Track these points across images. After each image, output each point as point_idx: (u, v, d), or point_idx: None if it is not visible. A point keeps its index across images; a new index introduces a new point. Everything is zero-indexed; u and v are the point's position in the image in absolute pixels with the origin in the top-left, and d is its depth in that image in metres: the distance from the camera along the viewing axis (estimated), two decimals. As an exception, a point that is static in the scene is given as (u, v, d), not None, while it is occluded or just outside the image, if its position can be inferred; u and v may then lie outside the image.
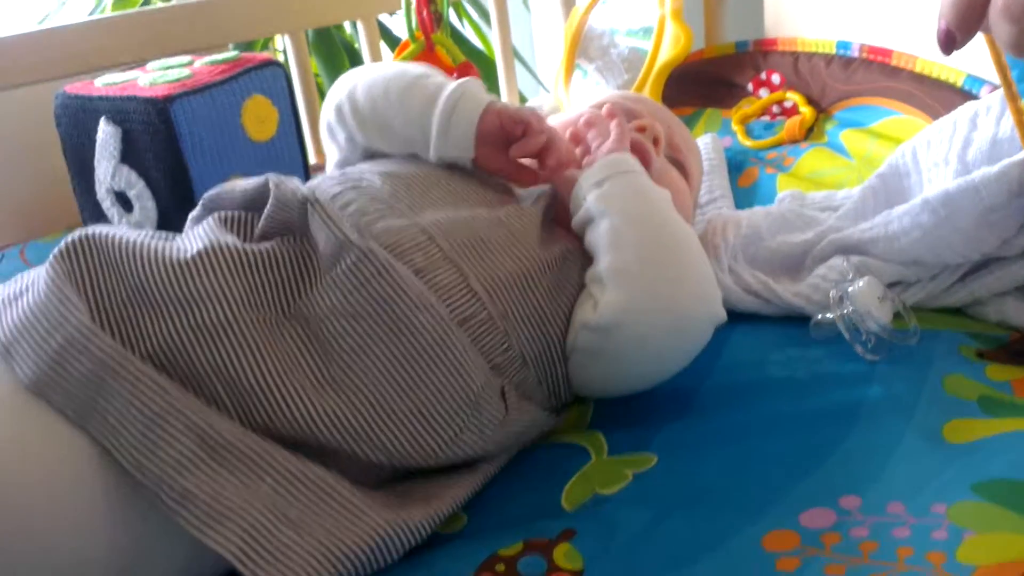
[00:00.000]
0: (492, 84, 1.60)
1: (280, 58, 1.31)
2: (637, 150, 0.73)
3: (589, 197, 0.65)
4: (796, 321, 0.72)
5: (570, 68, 1.25)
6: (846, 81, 0.97)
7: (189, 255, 0.55)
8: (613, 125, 0.71)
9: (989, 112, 0.70)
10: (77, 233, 0.57)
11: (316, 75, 1.67)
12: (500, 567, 0.52)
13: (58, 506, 0.48)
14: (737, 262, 0.76)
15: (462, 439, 0.56)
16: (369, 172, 0.68)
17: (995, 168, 0.65)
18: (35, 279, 0.55)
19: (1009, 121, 0.67)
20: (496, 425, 0.58)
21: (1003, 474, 0.52)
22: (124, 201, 0.97)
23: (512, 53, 1.46)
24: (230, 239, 0.57)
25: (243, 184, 0.61)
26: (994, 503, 0.50)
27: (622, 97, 0.83)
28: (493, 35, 1.46)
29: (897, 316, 0.67)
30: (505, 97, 1.49)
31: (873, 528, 0.50)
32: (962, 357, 0.65)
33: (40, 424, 0.50)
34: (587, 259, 0.66)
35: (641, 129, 0.76)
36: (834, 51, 0.99)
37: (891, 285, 0.70)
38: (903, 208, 0.68)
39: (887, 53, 0.94)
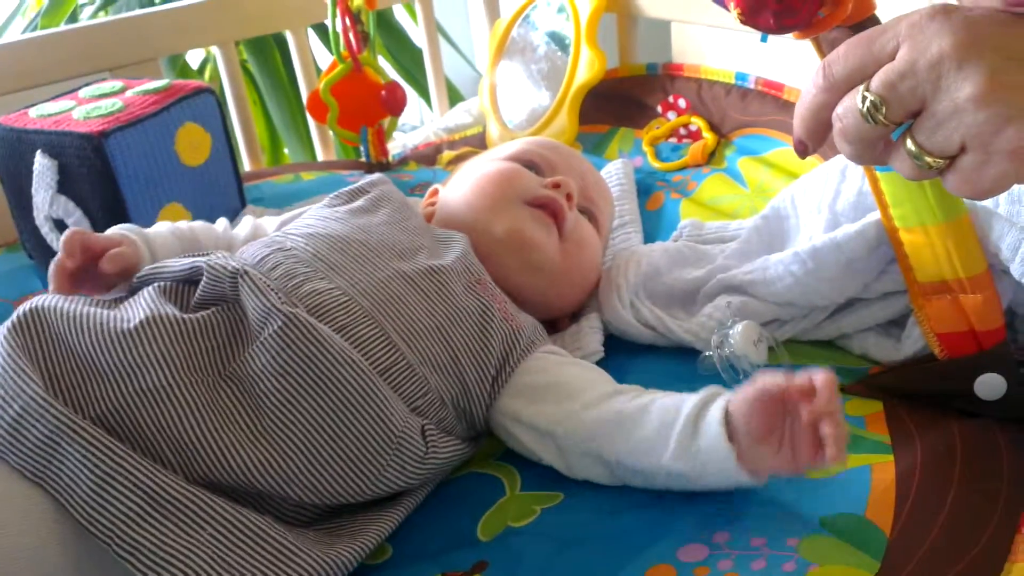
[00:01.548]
0: (420, 70, 1.60)
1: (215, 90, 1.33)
2: (550, 208, 0.80)
3: (709, 456, 0.61)
4: (686, 353, 0.80)
5: (497, 58, 1.29)
6: (743, 111, 1.05)
7: (131, 325, 0.62)
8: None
9: (856, 167, 0.79)
10: (27, 306, 0.63)
11: (248, 71, 1.69)
12: (420, 599, 0.60)
13: (15, 559, 0.54)
14: (638, 297, 0.84)
15: (385, 476, 0.64)
16: (294, 233, 0.74)
17: (855, 226, 0.73)
18: None
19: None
20: (418, 461, 0.65)
21: (846, 508, 0.61)
22: (62, 227, 1.01)
23: (437, 39, 1.46)
24: (169, 309, 0.64)
25: (176, 264, 0.68)
26: (835, 536, 0.59)
27: (540, 146, 0.89)
28: (420, 31, 1.47)
29: (771, 351, 0.76)
30: (432, 84, 1.50)
31: (736, 560, 0.59)
32: (826, 391, 0.74)
33: (1, 485, 0.56)
34: (505, 316, 0.72)
35: (555, 185, 0.82)
36: (733, 81, 1.07)
37: (768, 322, 0.79)
38: (777, 257, 0.77)
39: (779, 87, 1.02)
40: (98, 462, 0.56)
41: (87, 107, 1.00)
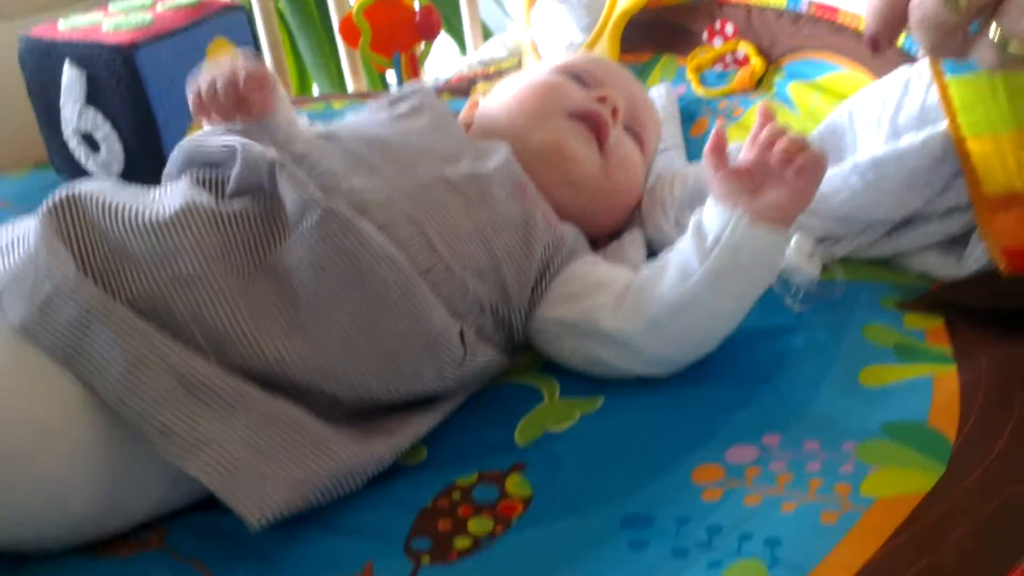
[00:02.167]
0: (455, 12, 1.59)
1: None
2: (593, 122, 0.77)
3: (717, 256, 0.62)
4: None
5: (533, 3, 1.26)
6: (794, 35, 1.00)
7: (166, 214, 0.60)
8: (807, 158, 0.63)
9: (920, 78, 0.74)
10: (63, 191, 0.61)
11: (279, 8, 1.67)
12: (456, 495, 0.58)
13: (45, 439, 0.53)
14: (683, 214, 0.80)
15: (422, 377, 0.62)
16: (336, 135, 0.71)
17: (919, 136, 0.69)
18: (25, 233, 0.59)
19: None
20: (454, 365, 0.63)
21: (908, 416, 0.58)
22: (91, 142, 0.99)
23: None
24: (204, 198, 0.62)
25: (215, 141, 0.65)
26: (898, 442, 0.56)
27: (586, 60, 0.85)
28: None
29: (825, 269, 0.73)
30: (467, 27, 1.48)
31: (790, 463, 0.56)
32: (883, 307, 0.71)
33: (28, 365, 0.54)
34: (549, 223, 0.69)
35: (601, 99, 0.79)
36: (784, 5, 1.03)
37: (823, 239, 0.75)
38: (835, 170, 0.73)
39: (834, 11, 0.97)
40: (130, 344, 0.54)
41: (116, 19, 0.98)
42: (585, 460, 0.60)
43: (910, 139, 0.70)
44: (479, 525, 0.56)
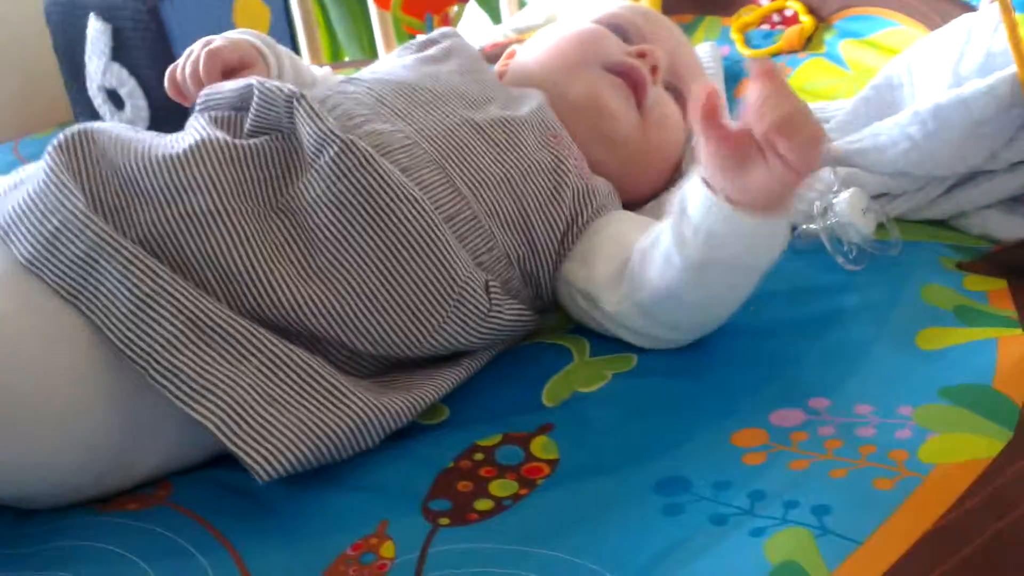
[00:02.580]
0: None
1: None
2: (631, 77, 0.72)
3: (697, 245, 0.54)
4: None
5: (570, -27, 1.22)
6: (847, -10, 0.95)
7: (180, 149, 0.57)
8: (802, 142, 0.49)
9: (984, 25, 0.69)
10: (75, 128, 0.59)
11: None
12: (479, 456, 0.55)
13: (50, 381, 0.50)
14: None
15: (445, 330, 0.58)
16: (359, 78, 0.68)
17: (985, 82, 0.64)
18: (34, 170, 0.57)
19: (1003, 35, 0.66)
20: (480, 318, 0.59)
21: (971, 379, 0.54)
22: (116, 99, 0.97)
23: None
24: (220, 134, 0.59)
25: (231, 84, 0.62)
26: (959, 406, 0.52)
27: (631, 11, 0.80)
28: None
29: (880, 227, 0.68)
30: (504, 0, 1.45)
31: (840, 427, 0.52)
32: (941, 268, 0.66)
33: (33, 301, 0.52)
34: (580, 173, 0.65)
35: (641, 55, 0.74)
36: (837, -42, 0.98)
37: (877, 196, 0.71)
38: (893, 120, 0.68)
39: (890, -38, 0.93)
40: (138, 282, 0.51)
41: (144, -29, 0.95)
42: (616, 422, 0.56)
43: (975, 85, 0.64)
44: (502, 487, 0.53)
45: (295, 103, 0.58)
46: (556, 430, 0.56)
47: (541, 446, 0.55)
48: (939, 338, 0.58)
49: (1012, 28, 0.61)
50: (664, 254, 0.57)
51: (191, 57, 0.68)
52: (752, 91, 0.50)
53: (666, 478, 0.51)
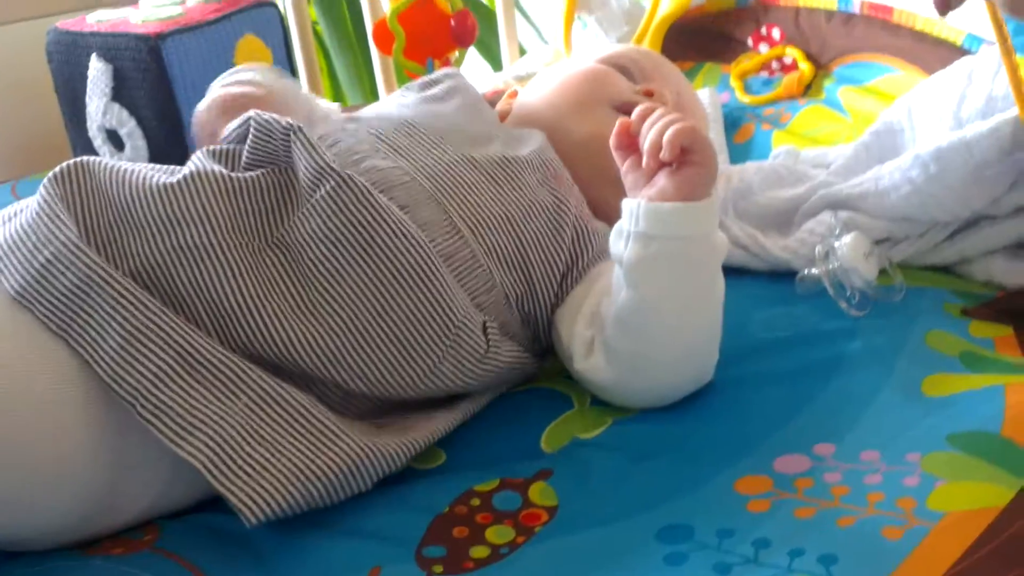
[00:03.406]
0: (492, 35, 1.58)
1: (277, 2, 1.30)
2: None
3: (628, 250, 0.56)
4: (782, 276, 0.71)
5: (570, 19, 1.24)
6: (846, 37, 0.96)
7: (175, 180, 0.57)
8: (670, 137, 0.55)
9: (985, 68, 0.69)
10: (72, 160, 0.58)
11: (314, 22, 1.66)
12: (475, 501, 0.53)
13: (36, 418, 0.49)
14: (727, 215, 0.75)
15: (441, 370, 0.57)
16: (359, 116, 0.68)
17: (987, 124, 0.64)
18: (28, 203, 0.56)
19: (1004, 78, 0.67)
20: (476, 359, 0.58)
21: (979, 426, 0.53)
22: (116, 139, 0.97)
23: (513, 3, 1.44)
24: (216, 167, 0.58)
25: (231, 123, 0.62)
26: (968, 454, 0.51)
27: (635, 52, 0.81)
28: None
29: (883, 273, 0.67)
30: (505, 48, 1.47)
31: (846, 474, 0.51)
32: (946, 314, 0.65)
33: (21, 335, 0.51)
34: (581, 215, 0.65)
35: (648, 93, 0.74)
36: (835, 7, 0.98)
37: (880, 242, 0.70)
38: (894, 163, 0.68)
39: (888, 10, 0.93)
40: (128, 315, 0.50)
41: (145, 13, 0.96)
42: (617, 468, 0.55)
43: (977, 128, 0.64)
44: (499, 534, 0.51)
45: (292, 135, 0.57)
46: (555, 476, 0.55)
47: (540, 492, 0.54)
48: (946, 384, 0.57)
49: (1013, 71, 0.61)
50: (616, 279, 0.58)
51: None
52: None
53: (668, 525, 0.50)
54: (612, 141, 0.59)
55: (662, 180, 0.56)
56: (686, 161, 0.55)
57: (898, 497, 0.48)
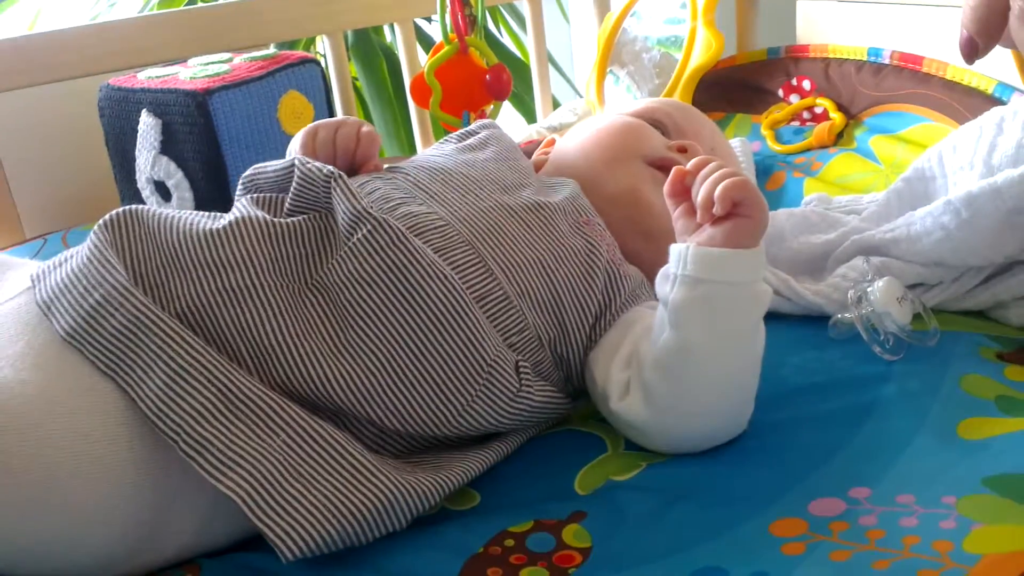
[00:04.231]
0: (526, 88, 1.62)
1: (320, 60, 1.34)
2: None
3: (674, 292, 0.57)
4: (815, 321, 0.72)
5: (602, 73, 1.26)
6: (876, 87, 0.97)
7: (220, 225, 0.59)
8: (721, 193, 0.57)
9: (1016, 116, 0.70)
10: (121, 208, 0.61)
11: (354, 78, 1.71)
12: (509, 542, 0.53)
13: (82, 456, 0.50)
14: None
15: (474, 408, 0.58)
16: (398, 166, 0.70)
17: (1018, 170, 0.64)
18: (79, 248, 0.59)
19: (1035, 125, 0.67)
20: (509, 398, 0.59)
21: (1015, 469, 0.52)
22: (163, 190, 1.00)
23: (547, 58, 1.48)
24: (259, 213, 0.61)
25: (275, 163, 0.65)
26: (1005, 496, 0.50)
27: (669, 106, 0.83)
28: (528, 40, 1.48)
29: (917, 317, 0.67)
30: (539, 101, 1.50)
31: (881, 517, 0.50)
32: (981, 358, 0.65)
33: (69, 375, 0.52)
34: (613, 260, 0.66)
35: (682, 150, 0.76)
36: (865, 57, 0.99)
37: (913, 287, 0.70)
38: (926, 209, 0.68)
39: (918, 60, 0.94)
40: (174, 355, 0.52)
41: (194, 70, 1.00)
42: (651, 510, 0.55)
43: (1008, 174, 0.65)
44: (532, 575, 0.51)
45: (332, 182, 0.60)
46: (589, 518, 0.55)
47: (573, 534, 0.54)
48: (981, 428, 0.57)
49: (1042, 119, 0.62)
50: (658, 321, 0.59)
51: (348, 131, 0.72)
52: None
53: (703, 568, 0.49)
54: (666, 189, 0.62)
55: (711, 227, 0.58)
56: (736, 213, 0.57)
57: (934, 540, 0.48)
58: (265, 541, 0.50)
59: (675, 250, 0.59)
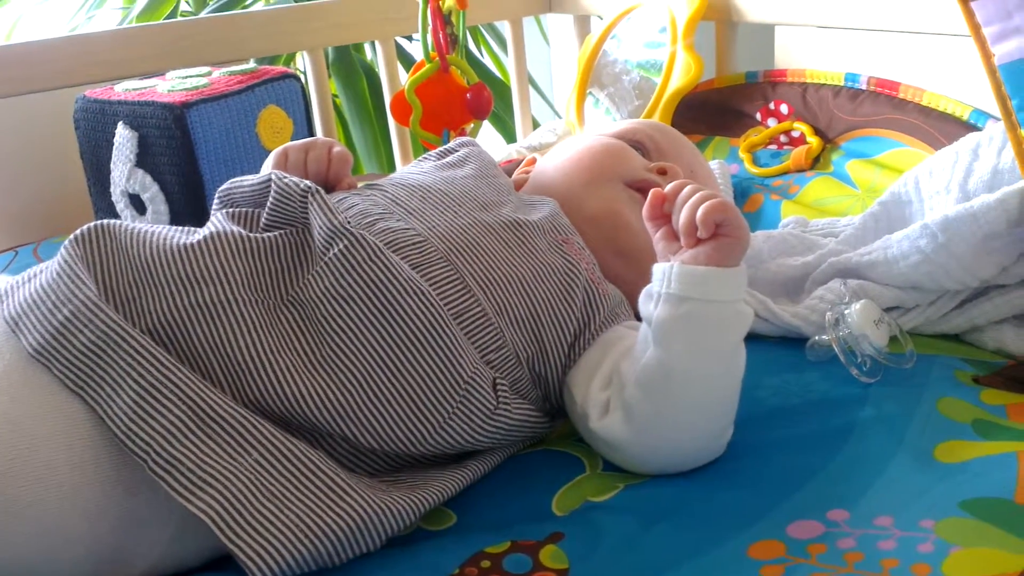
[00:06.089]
0: (507, 108, 1.62)
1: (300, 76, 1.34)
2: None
3: (658, 310, 0.57)
4: (793, 342, 0.72)
5: (582, 94, 1.27)
6: (853, 112, 0.98)
7: (194, 240, 0.58)
8: (703, 216, 0.57)
9: (991, 142, 0.71)
10: (93, 223, 0.59)
11: (334, 95, 1.70)
12: (486, 563, 0.53)
13: (48, 475, 0.49)
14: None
15: (449, 426, 0.57)
16: (377, 183, 0.70)
17: (994, 195, 0.65)
18: (49, 264, 0.57)
19: (1010, 152, 0.68)
20: (485, 416, 0.58)
21: (992, 493, 0.52)
22: (138, 203, 0.99)
23: (527, 79, 1.48)
24: (235, 228, 0.60)
25: (251, 178, 0.64)
26: (981, 520, 0.50)
27: (650, 127, 0.83)
28: (509, 61, 1.48)
29: (893, 340, 0.68)
30: (519, 122, 1.50)
31: (860, 540, 0.50)
32: (957, 381, 0.65)
33: (35, 393, 0.51)
34: (592, 279, 0.66)
35: (662, 171, 0.76)
36: (842, 83, 1.01)
37: (889, 310, 0.71)
38: (903, 233, 0.69)
39: (894, 86, 0.95)
40: (143, 371, 0.51)
41: (172, 83, 0.99)
42: (629, 531, 0.55)
43: (984, 199, 0.65)
44: (509, 597, 0.51)
45: (310, 197, 0.59)
46: (566, 539, 0.55)
47: (550, 555, 0.53)
48: (958, 451, 0.57)
49: (1018, 144, 0.63)
50: (641, 339, 0.59)
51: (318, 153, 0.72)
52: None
53: (680, 590, 0.49)
54: (646, 212, 0.61)
55: (697, 249, 0.58)
56: (719, 233, 0.57)
57: (913, 563, 0.48)
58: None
59: (659, 269, 0.59)
